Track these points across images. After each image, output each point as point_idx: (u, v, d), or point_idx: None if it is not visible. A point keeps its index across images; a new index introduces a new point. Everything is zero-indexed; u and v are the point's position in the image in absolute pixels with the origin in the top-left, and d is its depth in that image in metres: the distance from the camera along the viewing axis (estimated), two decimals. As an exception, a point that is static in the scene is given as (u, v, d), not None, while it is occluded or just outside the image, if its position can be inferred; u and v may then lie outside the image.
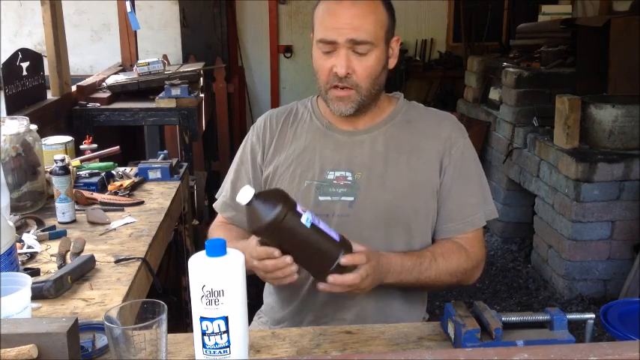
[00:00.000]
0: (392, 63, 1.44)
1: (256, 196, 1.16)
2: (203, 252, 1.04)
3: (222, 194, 1.57)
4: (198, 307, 1.02)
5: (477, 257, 1.45)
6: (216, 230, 1.53)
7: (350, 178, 1.42)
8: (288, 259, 1.18)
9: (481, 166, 1.51)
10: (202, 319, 1.02)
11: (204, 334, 1.02)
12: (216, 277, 1.01)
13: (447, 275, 1.40)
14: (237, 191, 1.52)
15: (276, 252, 1.18)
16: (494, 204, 1.51)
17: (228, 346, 1.03)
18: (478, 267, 1.46)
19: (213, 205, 1.59)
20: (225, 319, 1.02)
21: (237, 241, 1.39)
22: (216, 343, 1.02)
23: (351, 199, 1.41)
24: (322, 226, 1.17)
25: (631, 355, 0.74)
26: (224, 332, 1.02)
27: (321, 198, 1.42)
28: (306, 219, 1.15)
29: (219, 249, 1.03)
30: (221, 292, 1.00)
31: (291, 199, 1.17)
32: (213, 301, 1.00)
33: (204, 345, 1.03)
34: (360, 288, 1.24)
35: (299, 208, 1.15)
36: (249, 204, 1.15)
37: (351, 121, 1.47)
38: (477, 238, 1.47)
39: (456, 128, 1.49)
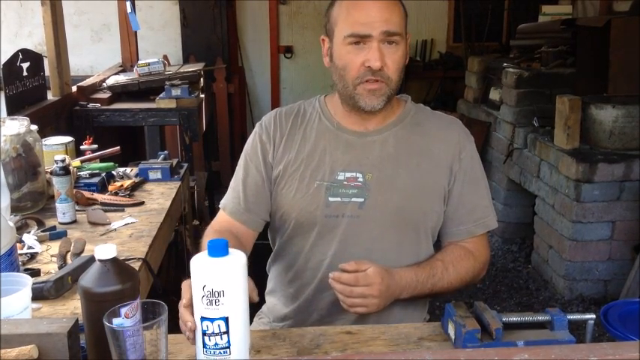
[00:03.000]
0: (407, 60, 1.45)
1: (113, 260, 1.02)
2: (205, 252, 1.03)
3: (232, 196, 1.52)
4: (198, 307, 1.02)
5: (483, 260, 1.47)
6: (209, 236, 1.46)
7: (360, 179, 1.42)
8: (190, 324, 1.05)
9: (484, 170, 1.53)
10: (203, 319, 1.02)
11: (204, 334, 1.02)
12: (217, 278, 1.01)
13: (458, 282, 1.42)
14: (247, 191, 1.48)
15: (189, 324, 1.06)
16: (493, 207, 1.53)
17: (229, 347, 1.03)
18: (483, 269, 1.49)
19: (221, 205, 1.53)
20: (226, 319, 1.01)
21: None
22: (216, 344, 1.02)
23: (362, 200, 1.41)
24: (128, 343, 0.94)
25: (631, 355, 0.74)
26: (224, 333, 1.02)
27: (331, 199, 1.42)
28: (118, 323, 0.96)
29: (220, 249, 1.02)
30: (222, 293, 1.00)
31: (136, 291, 1.02)
32: (213, 301, 1.00)
33: (204, 345, 1.03)
34: (371, 303, 1.28)
35: (127, 309, 0.98)
36: (101, 261, 1.01)
37: (362, 122, 1.47)
38: (483, 242, 1.49)
39: (463, 133, 1.50)
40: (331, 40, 1.42)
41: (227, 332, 1.02)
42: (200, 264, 1.02)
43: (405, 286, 1.34)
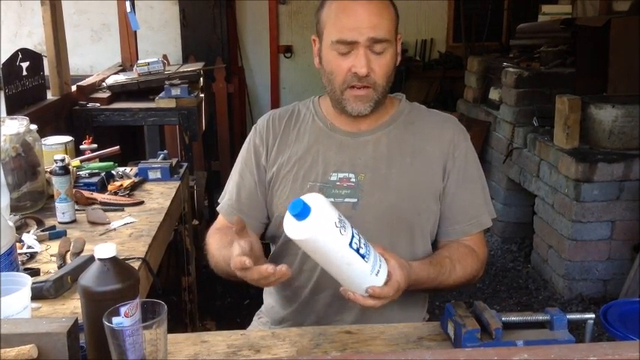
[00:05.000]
0: (398, 61, 1.44)
1: (113, 259, 1.02)
2: (292, 220, 1.10)
3: (227, 197, 1.54)
4: (343, 242, 1.10)
5: (482, 258, 1.47)
6: (212, 235, 1.51)
7: (353, 180, 1.42)
8: (270, 268, 1.13)
9: (481, 168, 1.52)
10: (350, 244, 1.10)
11: (358, 251, 1.11)
12: (329, 214, 1.09)
13: (462, 280, 1.41)
14: (242, 193, 1.52)
15: (247, 261, 1.13)
16: (492, 204, 1.52)
17: (366, 243, 1.15)
18: (482, 267, 1.48)
19: (217, 208, 1.56)
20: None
21: (227, 247, 1.37)
22: (364, 244, 1.14)
23: (354, 200, 1.41)
24: (127, 343, 0.94)
25: (631, 355, 0.74)
26: (360, 237, 1.14)
27: None
28: (117, 322, 0.96)
29: (302, 206, 1.08)
30: (340, 216, 1.12)
31: (136, 290, 1.01)
32: (343, 225, 1.11)
33: (364, 257, 1.12)
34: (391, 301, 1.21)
35: (126, 309, 0.98)
36: (101, 260, 1.01)
37: (355, 123, 1.46)
38: (481, 239, 1.49)
39: (458, 130, 1.49)
40: (320, 42, 1.42)
41: (357, 232, 1.14)
42: (312, 226, 1.08)
43: (417, 282, 1.31)
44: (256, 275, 1.15)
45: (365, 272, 1.14)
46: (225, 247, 1.39)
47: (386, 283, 1.17)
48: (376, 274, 1.15)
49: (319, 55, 1.43)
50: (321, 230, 1.08)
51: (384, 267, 1.17)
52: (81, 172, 2.14)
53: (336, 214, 1.11)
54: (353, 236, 1.11)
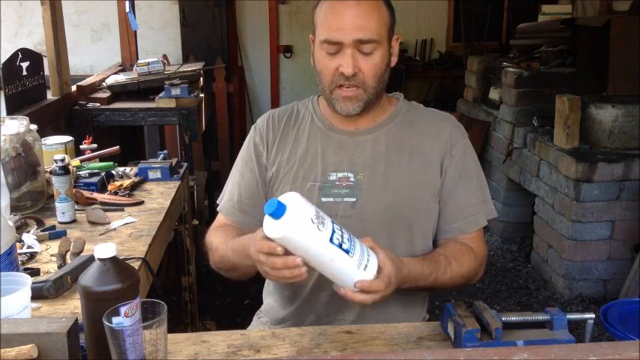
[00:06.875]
0: (393, 62, 1.44)
1: (113, 259, 1.02)
2: (269, 219, 1.10)
3: (227, 197, 1.54)
4: (323, 238, 1.08)
5: (481, 255, 1.46)
6: (214, 232, 1.51)
7: (352, 179, 1.42)
8: (299, 260, 1.11)
9: (480, 167, 1.52)
10: (331, 240, 1.09)
11: (341, 247, 1.10)
12: (306, 209, 1.09)
13: (459, 277, 1.40)
14: (242, 193, 1.52)
15: (279, 249, 1.12)
16: (493, 204, 1.51)
17: (350, 237, 1.13)
18: (482, 265, 1.47)
19: (218, 208, 1.56)
20: (333, 222, 1.12)
21: (235, 239, 1.38)
22: (349, 238, 1.12)
23: (354, 199, 1.41)
24: (127, 343, 0.95)
25: (631, 355, 0.74)
26: (340, 228, 1.12)
27: (324, 199, 1.42)
28: (117, 322, 0.97)
29: (280, 208, 1.08)
30: (317, 212, 1.10)
31: (136, 290, 1.02)
32: (321, 220, 1.09)
33: (348, 251, 1.11)
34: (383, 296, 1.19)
35: (126, 309, 0.98)
36: (101, 259, 1.02)
37: (353, 122, 1.46)
38: (480, 237, 1.48)
39: (455, 128, 1.49)
40: (314, 41, 1.43)
41: (340, 227, 1.13)
42: (288, 221, 1.07)
43: (410, 279, 1.31)
44: (280, 264, 1.13)
45: (350, 267, 1.12)
46: (232, 239, 1.39)
47: (377, 278, 1.15)
48: (364, 269, 1.13)
49: (313, 54, 1.44)
50: (297, 227, 1.08)
51: (374, 261, 1.15)
52: (81, 172, 2.14)
53: (313, 210, 1.10)
54: (334, 231, 1.10)
